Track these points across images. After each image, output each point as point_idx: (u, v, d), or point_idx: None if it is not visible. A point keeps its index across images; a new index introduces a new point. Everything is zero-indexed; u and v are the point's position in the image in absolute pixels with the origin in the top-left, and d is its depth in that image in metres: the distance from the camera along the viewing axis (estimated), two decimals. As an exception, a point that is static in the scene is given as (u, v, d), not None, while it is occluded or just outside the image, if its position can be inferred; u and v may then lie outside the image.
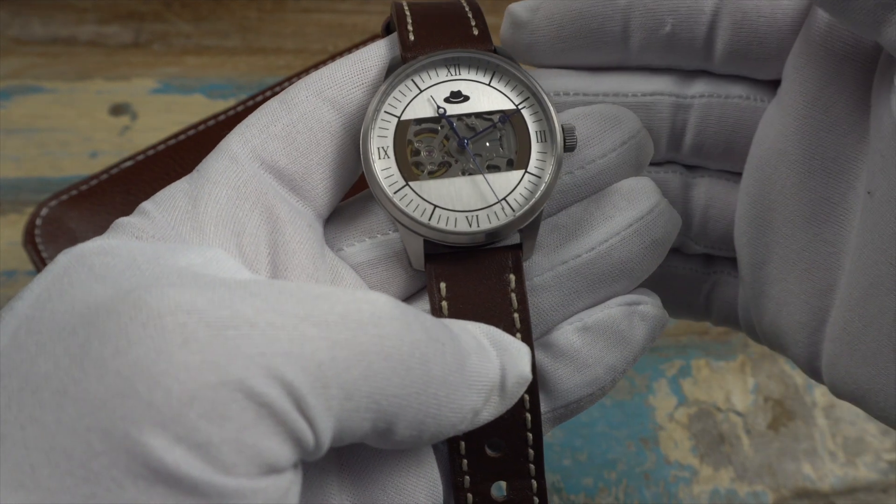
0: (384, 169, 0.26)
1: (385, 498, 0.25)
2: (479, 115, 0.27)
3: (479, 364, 0.23)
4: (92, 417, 0.19)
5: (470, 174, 0.27)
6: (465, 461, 0.26)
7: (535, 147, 0.27)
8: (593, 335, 0.27)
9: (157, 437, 0.19)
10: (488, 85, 0.28)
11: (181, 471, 0.19)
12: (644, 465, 0.46)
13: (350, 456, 0.25)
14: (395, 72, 0.27)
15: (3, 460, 0.19)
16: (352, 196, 0.29)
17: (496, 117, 0.27)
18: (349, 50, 0.54)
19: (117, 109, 0.58)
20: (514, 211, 0.26)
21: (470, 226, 0.26)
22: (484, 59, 0.27)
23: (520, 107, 0.27)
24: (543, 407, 0.27)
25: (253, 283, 0.22)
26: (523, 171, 0.27)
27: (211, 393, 0.19)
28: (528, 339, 0.26)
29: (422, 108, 0.27)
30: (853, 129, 0.28)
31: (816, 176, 0.28)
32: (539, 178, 0.27)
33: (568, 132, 0.27)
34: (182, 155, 0.50)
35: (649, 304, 0.28)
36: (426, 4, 0.29)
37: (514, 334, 0.26)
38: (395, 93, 0.27)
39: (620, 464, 0.46)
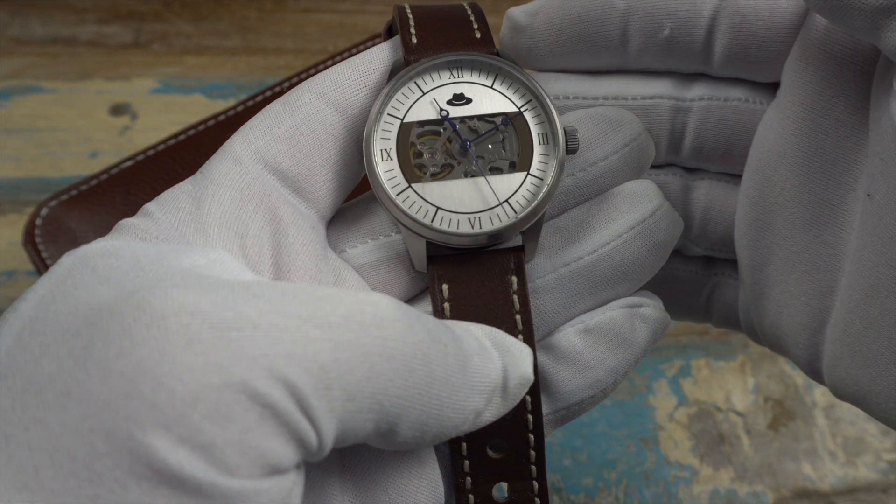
0: (387, 171, 0.27)
1: (387, 499, 0.25)
2: (481, 117, 0.27)
3: (481, 365, 0.23)
4: (95, 419, 0.19)
5: (472, 176, 0.27)
6: (466, 462, 0.26)
7: (537, 149, 0.27)
8: (595, 337, 0.27)
9: (161, 438, 0.19)
10: (491, 87, 0.28)
11: (185, 472, 0.19)
12: (644, 465, 0.46)
13: (352, 457, 0.25)
14: (397, 74, 0.27)
15: (7, 462, 0.19)
16: (354, 198, 0.29)
17: (499, 120, 0.27)
18: (349, 50, 0.54)
19: (117, 109, 0.58)
20: (516, 213, 0.26)
21: (472, 228, 0.26)
22: (486, 62, 0.28)
23: (522, 109, 0.28)
24: (545, 408, 0.27)
25: (256, 284, 0.22)
26: (525, 173, 0.27)
27: (214, 394, 0.19)
28: (529, 340, 0.26)
29: (424, 111, 0.27)
30: (852, 131, 0.28)
31: (816, 178, 0.28)
32: (541, 180, 0.27)
33: (570, 134, 0.27)
34: (182, 155, 0.50)
35: (651, 307, 0.28)
36: (428, 7, 0.29)
37: (516, 336, 0.26)
38: (398, 95, 0.27)
39: (620, 464, 0.46)
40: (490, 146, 0.27)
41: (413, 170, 0.27)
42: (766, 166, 0.30)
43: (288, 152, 0.26)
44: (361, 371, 0.21)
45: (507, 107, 0.27)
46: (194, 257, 0.23)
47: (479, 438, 0.26)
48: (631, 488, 0.45)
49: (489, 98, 0.27)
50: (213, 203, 0.25)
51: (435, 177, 0.27)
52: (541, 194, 0.27)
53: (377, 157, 0.27)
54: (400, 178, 0.27)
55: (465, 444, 0.26)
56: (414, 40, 0.27)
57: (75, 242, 0.46)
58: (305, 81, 0.27)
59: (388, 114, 0.27)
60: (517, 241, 0.27)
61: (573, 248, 0.28)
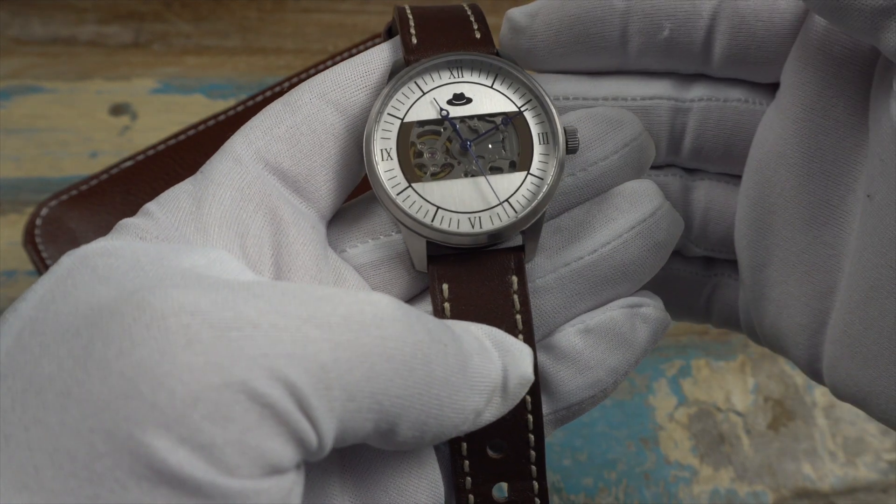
0: (387, 170, 0.27)
1: (387, 499, 0.25)
2: (481, 117, 0.27)
3: (481, 365, 0.23)
4: (95, 419, 0.19)
5: (472, 176, 0.27)
6: (466, 462, 0.26)
7: (537, 149, 0.27)
8: (595, 337, 0.27)
9: (161, 438, 0.19)
10: (491, 87, 0.28)
11: (185, 472, 0.19)
12: (644, 465, 0.46)
13: (352, 457, 0.25)
14: (397, 74, 0.27)
15: (7, 462, 0.19)
16: (355, 198, 0.29)
17: (499, 119, 0.27)
18: (349, 50, 0.54)
19: (117, 109, 0.58)
20: (516, 212, 0.26)
21: (472, 227, 0.26)
22: (486, 62, 0.28)
23: (522, 109, 0.28)
24: (545, 408, 0.27)
25: (256, 284, 0.22)
26: (526, 172, 0.27)
27: (214, 394, 0.19)
28: (530, 340, 0.26)
29: (425, 111, 0.27)
30: (852, 132, 0.28)
31: (816, 179, 0.28)
32: (541, 179, 0.27)
33: (570, 134, 0.27)
34: (182, 155, 0.50)
35: (651, 307, 0.28)
36: (428, 8, 0.29)
37: (516, 336, 0.26)
38: (398, 95, 0.27)
39: (620, 464, 0.46)
40: (490, 146, 0.27)
41: (413, 169, 0.27)
42: (766, 167, 0.30)
43: (288, 152, 0.26)
44: (361, 371, 0.21)
45: (507, 106, 0.27)
46: (194, 257, 0.23)
47: (479, 438, 0.26)
48: (631, 488, 0.45)
49: (489, 98, 0.27)
50: (214, 203, 0.25)
51: (435, 176, 0.27)
52: (541, 194, 0.27)
53: (377, 157, 0.27)
54: (400, 178, 0.27)
55: (465, 444, 0.26)
56: (414, 40, 0.27)
57: (75, 242, 0.46)
58: (306, 81, 0.27)
59: (389, 114, 0.27)
60: (517, 240, 0.27)
61: (573, 247, 0.28)
